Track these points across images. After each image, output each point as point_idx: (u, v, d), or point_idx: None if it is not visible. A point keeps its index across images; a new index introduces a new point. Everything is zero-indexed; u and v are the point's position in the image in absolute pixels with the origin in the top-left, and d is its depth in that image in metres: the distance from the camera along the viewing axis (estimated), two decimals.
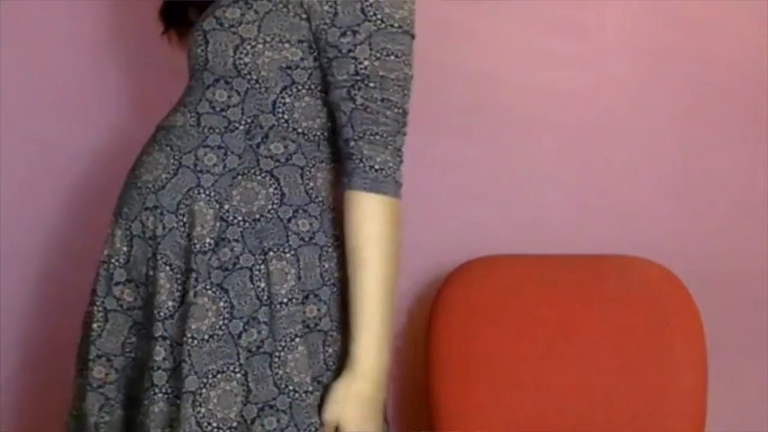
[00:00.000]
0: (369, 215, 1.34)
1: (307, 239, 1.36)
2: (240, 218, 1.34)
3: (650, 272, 1.82)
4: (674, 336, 1.77)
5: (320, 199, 1.38)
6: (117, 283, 1.41)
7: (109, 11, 1.97)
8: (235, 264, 1.33)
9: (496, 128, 1.96)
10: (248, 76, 1.35)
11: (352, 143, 1.33)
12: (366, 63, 1.31)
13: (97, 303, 1.42)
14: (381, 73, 1.31)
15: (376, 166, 1.33)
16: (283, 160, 1.36)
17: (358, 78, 1.31)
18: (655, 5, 1.93)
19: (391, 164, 1.34)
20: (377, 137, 1.33)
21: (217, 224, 1.34)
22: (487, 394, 1.77)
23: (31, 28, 1.97)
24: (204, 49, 1.37)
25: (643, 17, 1.93)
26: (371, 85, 1.31)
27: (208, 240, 1.33)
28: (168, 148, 1.38)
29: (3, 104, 1.98)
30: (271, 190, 1.35)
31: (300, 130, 1.37)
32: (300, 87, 1.37)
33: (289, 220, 1.35)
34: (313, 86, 1.37)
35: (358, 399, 1.32)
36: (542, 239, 1.94)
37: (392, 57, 1.32)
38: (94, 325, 1.42)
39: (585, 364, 1.77)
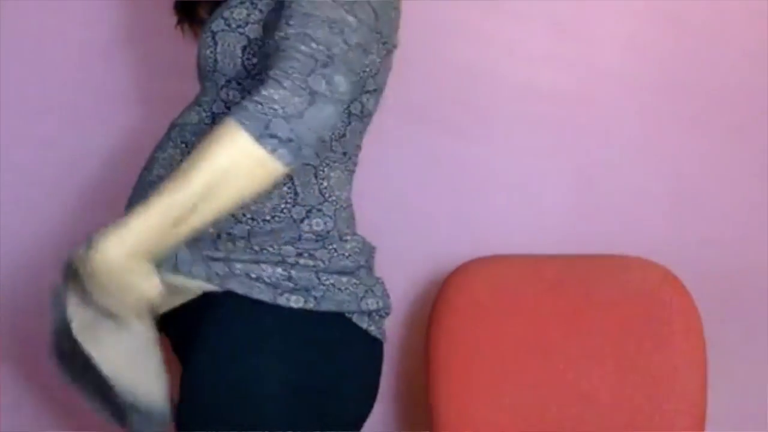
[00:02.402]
0: (214, 137, 1.18)
1: (320, 238, 1.35)
2: (249, 216, 1.34)
3: (650, 272, 1.82)
4: (674, 336, 1.77)
5: (333, 198, 1.38)
6: None
7: (117, 10, 1.97)
8: None
9: (496, 128, 1.96)
10: (258, 77, 1.33)
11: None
12: (293, 3, 1.24)
13: None
14: (305, 11, 1.22)
15: (256, 97, 1.17)
16: None
17: (283, 20, 1.24)
18: (653, 5, 1.93)
19: (277, 103, 1.17)
20: (278, 72, 1.19)
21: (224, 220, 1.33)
22: (487, 394, 1.77)
23: (34, 28, 1.97)
24: (213, 51, 1.36)
25: (642, 17, 1.93)
26: (291, 23, 1.23)
27: (210, 231, 1.33)
28: (183, 145, 1.38)
29: (7, 104, 1.98)
30: (284, 189, 1.35)
31: None
32: None
33: (302, 221, 1.35)
34: None
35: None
36: (542, 239, 1.94)
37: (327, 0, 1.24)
38: None
39: (585, 364, 1.77)
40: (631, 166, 1.96)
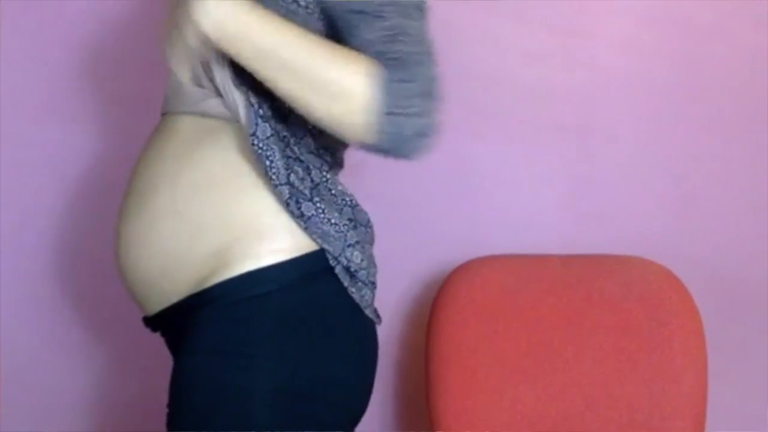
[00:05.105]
0: (352, 66, 1.24)
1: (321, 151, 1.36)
2: None
3: (650, 272, 1.82)
4: (674, 336, 1.77)
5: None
6: None
7: (111, 11, 1.97)
8: None
9: (495, 128, 1.96)
10: None
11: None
12: (395, 21, 1.27)
13: None
14: (411, 32, 1.28)
15: (403, 78, 1.25)
16: None
17: (390, 33, 1.26)
18: (654, 5, 1.93)
19: (412, 107, 1.27)
20: (404, 84, 1.26)
21: None
22: (487, 394, 1.77)
23: (31, 28, 1.97)
24: None
25: (642, 17, 1.93)
26: (402, 39, 1.27)
27: None
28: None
29: (3, 104, 1.98)
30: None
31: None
32: None
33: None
34: None
35: None
36: (542, 239, 1.94)
37: (417, 23, 1.30)
38: None
39: (585, 364, 1.77)
40: (631, 166, 1.96)
